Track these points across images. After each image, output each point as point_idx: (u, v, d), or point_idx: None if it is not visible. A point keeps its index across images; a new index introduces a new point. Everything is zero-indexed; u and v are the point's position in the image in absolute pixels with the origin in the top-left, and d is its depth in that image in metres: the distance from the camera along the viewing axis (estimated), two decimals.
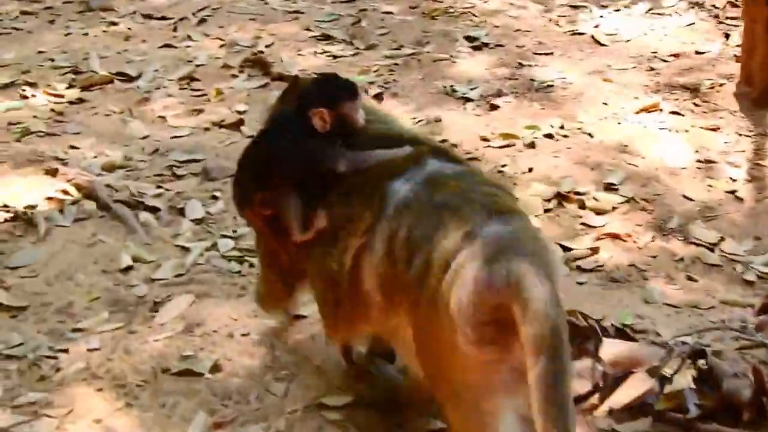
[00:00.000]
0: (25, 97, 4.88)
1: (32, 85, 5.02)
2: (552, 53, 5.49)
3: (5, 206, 3.80)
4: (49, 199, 3.88)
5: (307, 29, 5.87)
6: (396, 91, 5.01)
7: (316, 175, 2.33)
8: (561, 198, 3.96)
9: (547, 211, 3.89)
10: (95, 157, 4.28)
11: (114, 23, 6.00)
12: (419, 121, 4.65)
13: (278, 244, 2.51)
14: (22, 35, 5.81)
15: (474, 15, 6.08)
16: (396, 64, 5.36)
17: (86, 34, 5.81)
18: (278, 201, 2.40)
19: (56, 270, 3.41)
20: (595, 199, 3.96)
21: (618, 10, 6.15)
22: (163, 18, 6.07)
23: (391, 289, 2.09)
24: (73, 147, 4.36)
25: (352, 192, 2.23)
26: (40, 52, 5.49)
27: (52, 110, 4.75)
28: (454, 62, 5.36)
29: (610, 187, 4.05)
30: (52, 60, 5.36)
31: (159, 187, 4.00)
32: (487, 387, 1.91)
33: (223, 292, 3.30)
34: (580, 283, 3.42)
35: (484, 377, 1.90)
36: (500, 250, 1.87)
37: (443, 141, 4.39)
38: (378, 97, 4.92)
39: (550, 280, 1.81)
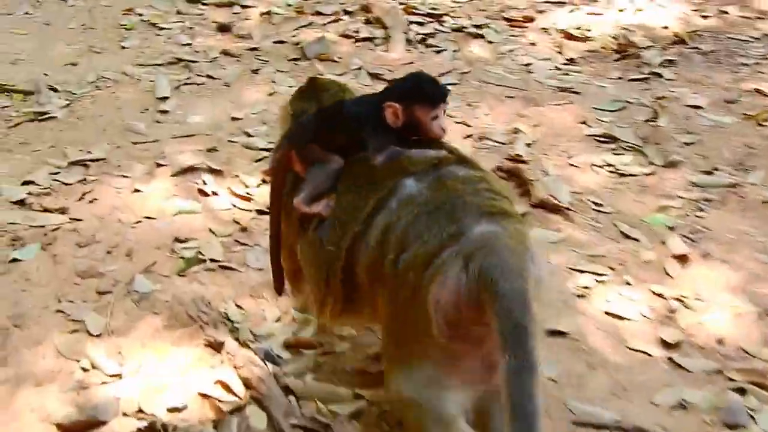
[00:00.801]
0: (205, 194, 3.69)
1: (216, 173, 3.82)
2: None
3: (140, 411, 2.62)
4: (204, 397, 2.66)
5: (583, 122, 4.36)
6: (707, 250, 3.42)
7: (355, 154, 2.35)
8: None
9: None
10: (277, 319, 3.02)
11: None
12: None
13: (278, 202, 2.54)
14: (216, 87, 4.64)
15: None
16: (707, 199, 3.77)
17: None
18: (311, 156, 2.40)
19: None
20: None
21: None
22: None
23: (375, 275, 2.16)
24: (252, 296, 3.12)
25: (366, 182, 2.27)
26: (234, 118, 4.30)
27: (236, 221, 3.52)
28: None
29: None
30: (248, 135, 4.15)
31: None
32: (447, 373, 2.04)
33: None
34: None
35: (448, 366, 2.02)
36: (479, 248, 1.95)
37: None
38: (682, 258, 3.38)
39: (521, 278, 1.88)
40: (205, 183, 3.74)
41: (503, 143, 4.12)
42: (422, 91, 2.30)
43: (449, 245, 1.98)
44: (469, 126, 4.27)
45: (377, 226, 2.16)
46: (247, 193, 3.70)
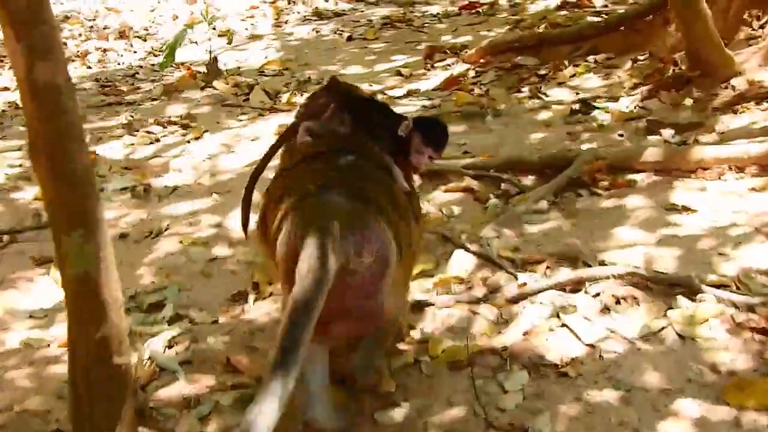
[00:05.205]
0: None
1: None
2: None
3: None
4: None
5: None
6: None
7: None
8: None
9: None
10: None
11: None
12: None
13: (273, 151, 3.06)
14: None
15: None
16: None
17: None
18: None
19: None
20: None
21: None
22: None
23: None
24: None
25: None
26: None
27: None
28: None
29: None
30: None
31: None
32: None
33: None
34: None
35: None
36: (307, 207, 2.45)
37: None
38: None
39: (323, 238, 2.26)
40: None
41: None
42: (433, 133, 2.80)
43: (295, 207, 2.46)
44: None
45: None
46: None
